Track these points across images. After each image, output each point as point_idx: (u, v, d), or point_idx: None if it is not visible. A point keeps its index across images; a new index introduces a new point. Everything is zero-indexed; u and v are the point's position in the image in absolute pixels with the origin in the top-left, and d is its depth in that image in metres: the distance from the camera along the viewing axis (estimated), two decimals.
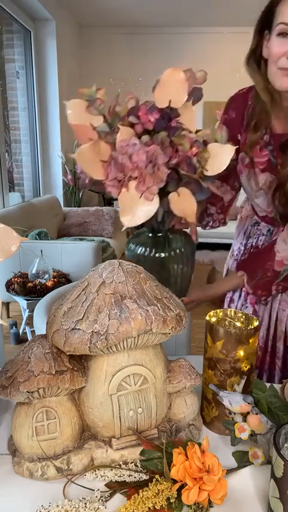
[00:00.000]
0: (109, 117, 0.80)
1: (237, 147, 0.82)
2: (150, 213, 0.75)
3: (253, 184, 1.11)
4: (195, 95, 0.82)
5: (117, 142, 0.76)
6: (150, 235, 0.96)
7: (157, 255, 0.94)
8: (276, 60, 0.94)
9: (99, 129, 0.79)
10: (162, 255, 0.95)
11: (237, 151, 1.08)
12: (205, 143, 0.81)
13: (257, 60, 1.03)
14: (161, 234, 0.96)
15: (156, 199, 0.75)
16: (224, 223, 1.22)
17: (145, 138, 0.76)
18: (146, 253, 0.94)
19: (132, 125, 0.78)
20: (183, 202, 0.79)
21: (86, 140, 0.79)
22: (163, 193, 0.78)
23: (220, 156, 0.80)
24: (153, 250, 0.94)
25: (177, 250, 0.97)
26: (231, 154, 0.79)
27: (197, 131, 0.82)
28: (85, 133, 0.79)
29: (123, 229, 0.77)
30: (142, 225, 0.90)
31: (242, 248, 1.23)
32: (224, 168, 0.80)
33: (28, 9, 4.06)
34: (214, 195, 1.13)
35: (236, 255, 1.25)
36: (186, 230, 0.98)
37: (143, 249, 0.95)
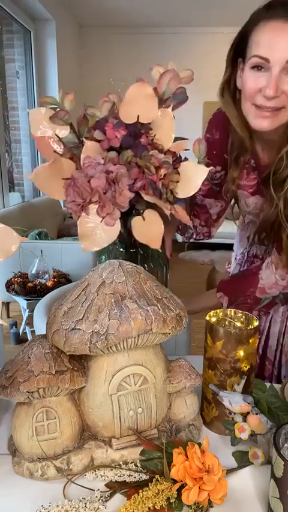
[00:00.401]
0: (77, 126, 0.75)
1: (211, 169, 0.76)
2: (111, 239, 0.71)
3: (243, 205, 1.08)
4: (178, 97, 0.77)
5: (81, 159, 0.71)
6: (122, 250, 0.91)
7: None
8: (251, 97, 0.86)
9: (66, 140, 0.75)
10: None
11: (227, 170, 1.04)
12: (178, 160, 0.76)
13: (231, 91, 0.94)
14: (133, 250, 0.90)
15: (118, 224, 0.71)
16: (209, 237, 1.18)
17: (112, 154, 0.71)
18: None
19: (98, 140, 0.73)
20: (149, 227, 0.73)
21: (50, 155, 0.74)
22: (129, 215, 0.73)
23: (193, 177, 0.75)
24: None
25: (148, 266, 0.91)
26: (203, 176, 0.74)
27: (176, 139, 0.76)
28: (49, 146, 0.74)
29: (82, 251, 0.74)
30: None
31: (245, 254, 1.19)
32: (196, 191, 0.76)
33: (28, 9, 4.06)
34: (199, 206, 1.11)
35: (239, 259, 1.22)
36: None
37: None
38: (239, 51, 0.89)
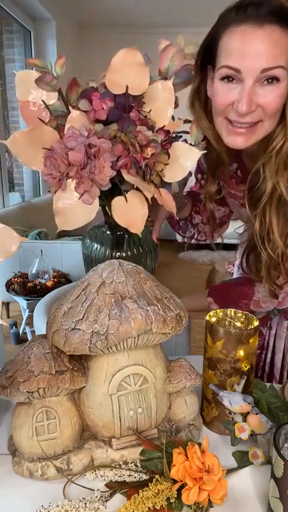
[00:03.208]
0: (67, 94, 0.69)
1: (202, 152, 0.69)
2: (89, 218, 0.65)
3: (237, 214, 1.02)
4: (181, 75, 0.70)
5: (65, 129, 0.65)
6: (108, 233, 0.85)
7: (114, 254, 0.83)
8: (222, 111, 0.76)
9: (52, 108, 0.68)
10: (119, 254, 0.83)
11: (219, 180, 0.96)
12: (170, 140, 0.69)
13: (203, 100, 0.82)
14: (119, 233, 0.84)
15: (97, 202, 0.65)
16: (211, 238, 1.09)
17: (98, 127, 0.65)
18: (101, 252, 0.84)
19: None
20: (130, 209, 0.67)
21: (33, 121, 0.68)
22: (113, 193, 0.68)
23: (183, 160, 0.69)
24: (110, 248, 0.83)
25: (136, 251, 0.85)
26: (195, 159, 0.69)
27: (173, 118, 0.70)
28: (33, 112, 0.68)
29: (57, 231, 0.70)
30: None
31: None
32: (185, 175, 0.70)
33: (28, 9, 4.06)
34: (202, 203, 0.99)
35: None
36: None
37: (99, 247, 0.84)
38: (207, 57, 0.78)
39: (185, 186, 0.82)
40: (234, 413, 0.71)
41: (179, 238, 5.54)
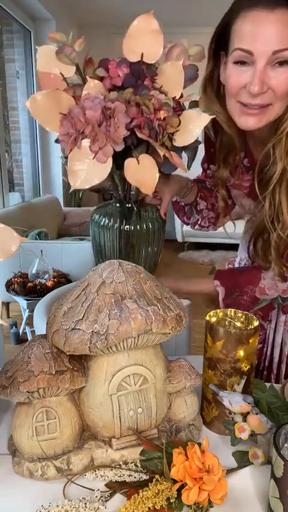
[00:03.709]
0: (84, 68, 0.72)
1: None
2: (102, 176, 0.68)
3: (240, 206, 1.04)
4: (188, 72, 0.74)
5: (82, 95, 0.69)
6: (118, 205, 0.87)
7: (122, 227, 0.85)
8: (235, 94, 0.80)
9: (69, 81, 0.73)
10: (128, 227, 0.85)
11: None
12: (180, 109, 0.73)
13: (215, 86, 0.87)
14: (129, 206, 0.87)
15: (110, 162, 0.68)
16: (215, 226, 1.12)
17: (113, 94, 0.69)
18: (110, 225, 0.85)
19: (101, 79, 0.70)
20: (142, 172, 0.70)
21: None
22: (124, 159, 0.71)
23: (193, 125, 0.72)
24: (119, 221, 0.85)
25: (145, 226, 0.87)
26: (204, 124, 0.72)
27: (181, 97, 0.74)
28: (52, 83, 0.72)
29: (70, 190, 0.72)
30: (110, 197, 0.83)
31: (250, 258, 1.12)
32: (193, 140, 0.73)
33: (28, 9, 4.06)
34: (207, 189, 1.05)
35: (245, 264, 1.15)
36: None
37: (108, 220, 0.86)
38: (221, 43, 0.83)
39: (193, 160, 0.83)
40: (234, 413, 0.71)
41: (179, 238, 5.55)
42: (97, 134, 0.66)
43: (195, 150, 0.80)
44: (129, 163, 0.71)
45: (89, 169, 0.68)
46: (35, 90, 4.40)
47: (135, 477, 0.64)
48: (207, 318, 0.80)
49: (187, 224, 1.15)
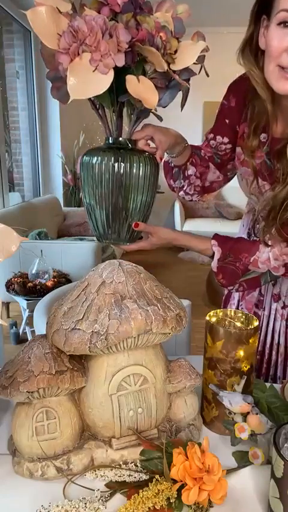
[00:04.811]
0: (79, 7, 0.73)
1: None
2: (102, 87, 0.68)
3: (244, 185, 1.04)
4: (176, 25, 0.75)
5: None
6: (110, 141, 0.84)
7: (115, 165, 0.80)
8: (276, 57, 0.78)
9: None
10: (120, 165, 0.80)
11: (234, 145, 1.01)
12: (176, 39, 0.74)
13: (253, 51, 0.86)
14: (122, 146, 0.84)
15: (111, 74, 0.68)
16: (200, 195, 1.10)
17: (111, 23, 0.69)
18: (103, 164, 0.80)
19: (99, 10, 0.71)
20: (141, 87, 0.71)
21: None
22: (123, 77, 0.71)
23: (190, 51, 0.73)
24: (112, 159, 0.80)
25: (138, 168, 0.83)
26: (200, 49, 0.73)
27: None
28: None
29: (69, 102, 0.69)
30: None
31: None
32: (191, 63, 0.73)
33: (28, 9, 4.04)
34: (199, 156, 1.05)
35: None
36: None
37: (100, 159, 0.80)
38: (264, 6, 0.81)
39: (186, 100, 0.84)
40: (234, 413, 0.71)
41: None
42: (99, 43, 0.66)
43: (188, 91, 0.81)
44: (131, 78, 0.71)
45: (90, 79, 0.68)
46: (35, 90, 4.41)
47: (135, 477, 0.64)
48: (207, 318, 0.80)
49: (172, 189, 1.13)
